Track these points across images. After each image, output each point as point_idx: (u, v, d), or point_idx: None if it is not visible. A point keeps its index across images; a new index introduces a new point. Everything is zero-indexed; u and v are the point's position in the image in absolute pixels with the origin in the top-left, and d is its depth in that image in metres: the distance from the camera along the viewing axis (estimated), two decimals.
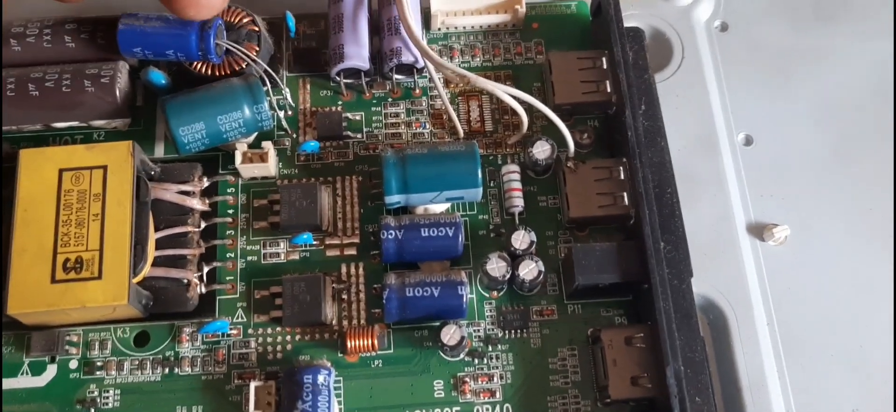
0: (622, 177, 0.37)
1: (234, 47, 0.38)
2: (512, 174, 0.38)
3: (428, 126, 0.40)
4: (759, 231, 0.41)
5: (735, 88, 0.44)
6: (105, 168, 0.36)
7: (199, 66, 0.38)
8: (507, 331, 0.37)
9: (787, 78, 0.44)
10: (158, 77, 0.39)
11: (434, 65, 0.38)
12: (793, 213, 0.41)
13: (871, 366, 0.38)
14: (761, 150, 0.42)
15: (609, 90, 0.39)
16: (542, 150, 0.38)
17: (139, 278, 0.36)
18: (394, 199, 0.37)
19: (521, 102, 0.38)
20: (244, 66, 0.38)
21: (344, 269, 0.38)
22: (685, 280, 0.37)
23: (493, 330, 0.37)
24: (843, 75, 0.44)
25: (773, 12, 0.46)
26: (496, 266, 0.36)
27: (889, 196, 0.42)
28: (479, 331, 0.37)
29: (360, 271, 0.38)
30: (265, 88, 0.38)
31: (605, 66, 0.39)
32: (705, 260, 0.40)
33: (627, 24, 0.44)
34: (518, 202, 0.38)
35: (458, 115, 0.40)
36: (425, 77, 0.41)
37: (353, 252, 0.38)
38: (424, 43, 0.38)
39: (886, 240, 0.41)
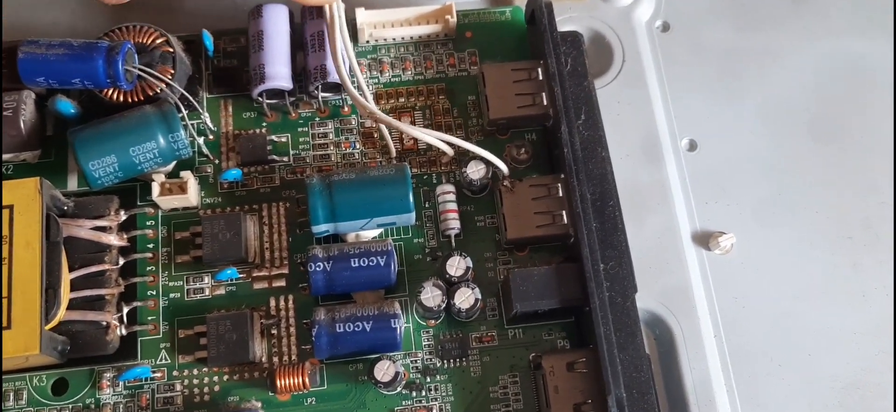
0: (561, 194, 0.36)
1: (147, 72, 0.36)
2: (447, 195, 0.37)
3: (358, 145, 0.38)
4: (704, 240, 0.40)
5: (678, 92, 0.42)
6: (11, 208, 0.34)
7: (110, 93, 0.36)
8: (445, 361, 0.35)
9: (731, 79, 0.43)
10: (67, 106, 0.36)
11: (359, 106, 0.36)
12: (738, 220, 0.40)
13: (821, 375, 0.38)
14: (706, 156, 0.41)
15: (545, 102, 0.37)
16: (476, 170, 0.36)
17: (53, 324, 0.34)
18: (321, 228, 0.35)
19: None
20: (159, 91, 0.36)
21: (273, 303, 0.36)
22: (629, 296, 0.35)
23: (430, 360, 0.35)
24: (789, 76, 0.43)
25: (717, 11, 0.44)
26: (431, 296, 0.34)
27: (837, 198, 0.41)
28: (416, 361, 0.35)
29: (291, 304, 0.36)
30: (181, 115, 0.36)
31: (541, 77, 0.38)
32: (651, 273, 0.38)
33: (565, 27, 0.42)
34: (454, 224, 0.36)
35: (390, 134, 0.38)
36: None
37: (282, 284, 0.36)
38: (348, 79, 0.36)
39: (833, 244, 0.40)
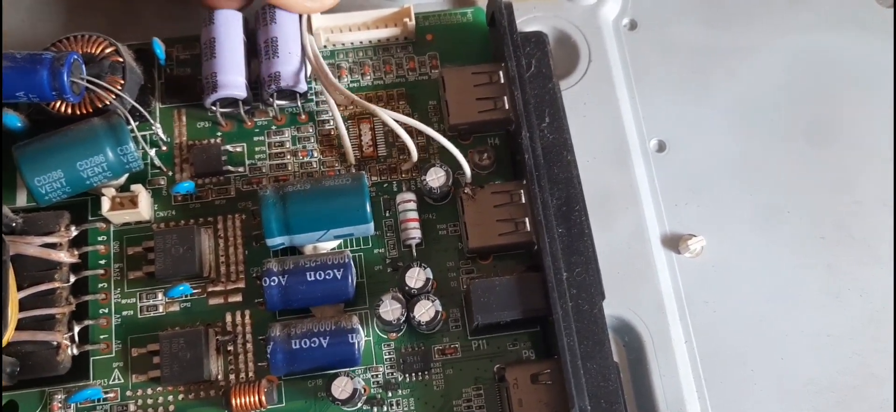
0: (523, 200, 0.35)
1: (94, 83, 0.34)
2: (407, 203, 0.36)
3: (316, 154, 0.37)
4: (674, 243, 0.39)
5: (646, 92, 0.41)
6: None
7: (57, 105, 0.35)
8: (407, 375, 0.34)
9: (700, 77, 0.42)
10: (13, 120, 0.35)
11: (334, 95, 0.35)
12: (708, 222, 0.39)
13: (795, 379, 0.37)
14: (675, 157, 0.40)
15: (507, 107, 0.36)
16: (436, 178, 0.35)
17: (1, 345, 0.32)
18: (276, 241, 0.34)
19: (410, 128, 0.35)
20: (109, 103, 0.35)
21: (229, 319, 0.35)
22: (596, 304, 0.34)
23: (392, 374, 0.34)
24: (759, 73, 0.42)
25: (685, 8, 0.43)
26: (390, 309, 0.33)
27: (809, 197, 0.40)
28: (377, 376, 0.34)
29: (247, 320, 0.35)
30: (131, 127, 0.35)
31: (502, 81, 0.37)
32: (619, 279, 0.37)
33: (530, 27, 0.41)
34: (415, 234, 0.35)
35: (350, 138, 0.37)
36: (311, 100, 0.38)
37: (238, 299, 0.35)
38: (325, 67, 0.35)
39: (805, 245, 0.39)
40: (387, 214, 0.36)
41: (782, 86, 0.42)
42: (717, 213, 0.39)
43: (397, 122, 0.35)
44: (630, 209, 0.39)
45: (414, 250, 0.36)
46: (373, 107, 0.35)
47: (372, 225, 0.34)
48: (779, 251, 0.39)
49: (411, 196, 0.36)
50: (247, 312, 0.35)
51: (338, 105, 0.37)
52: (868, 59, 0.43)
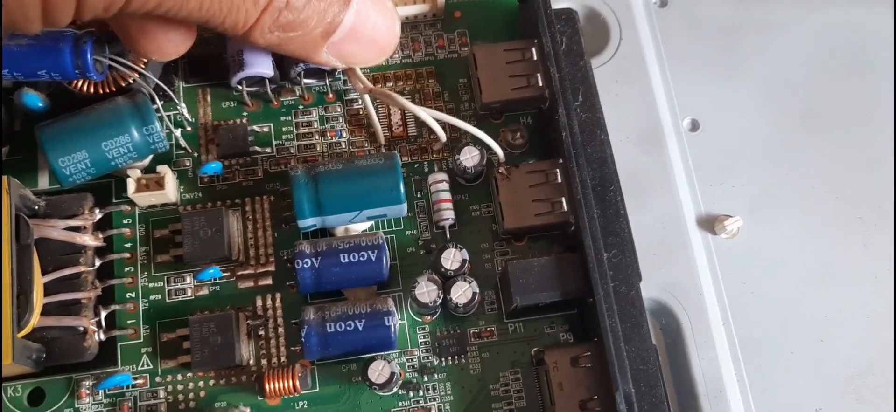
0: (560, 180, 0.34)
1: (118, 61, 0.33)
2: (440, 184, 0.35)
3: (344, 134, 0.36)
4: (709, 224, 0.38)
5: (678, 70, 0.40)
6: None
7: (79, 84, 0.34)
8: (443, 358, 0.33)
9: (732, 54, 0.41)
10: (34, 100, 0.34)
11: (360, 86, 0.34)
12: (744, 202, 0.38)
13: (833, 362, 0.36)
14: (708, 136, 0.40)
15: (541, 84, 0.35)
16: (470, 157, 0.35)
17: (26, 331, 0.32)
18: (307, 222, 0.33)
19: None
20: (131, 82, 0.34)
21: (259, 303, 0.34)
22: (634, 285, 0.33)
23: (427, 358, 0.33)
24: (792, 48, 0.41)
25: None
26: (426, 290, 0.32)
27: (845, 176, 0.39)
28: (412, 360, 0.33)
29: (278, 304, 0.34)
30: (156, 106, 0.34)
31: (535, 58, 0.36)
32: (655, 260, 0.37)
33: (559, 4, 0.40)
34: (448, 214, 0.34)
35: (378, 119, 0.36)
36: (338, 79, 0.37)
37: (268, 282, 0.34)
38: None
39: (844, 224, 0.38)
40: (419, 195, 0.35)
41: (814, 61, 0.41)
42: (752, 193, 0.39)
43: (428, 114, 0.34)
44: (664, 189, 0.38)
45: (447, 231, 0.35)
46: (393, 95, 0.34)
47: (405, 205, 0.33)
48: (815, 231, 0.38)
49: (444, 176, 0.35)
50: (278, 296, 0.34)
51: (357, 97, 0.36)
52: None
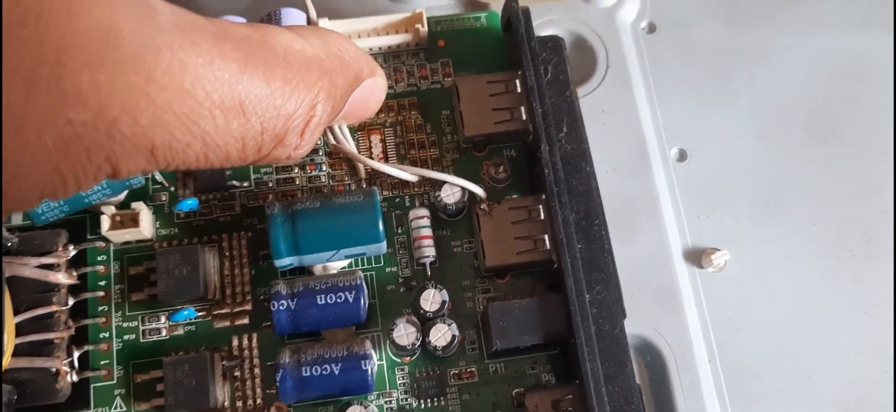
0: (542, 216, 0.33)
1: None
2: (421, 220, 0.34)
3: (325, 167, 0.36)
4: (696, 257, 0.37)
5: (666, 98, 0.40)
6: None
7: None
8: (422, 400, 0.33)
9: (720, 81, 0.40)
10: None
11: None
12: (731, 234, 0.38)
13: (823, 398, 0.35)
14: (696, 165, 0.39)
15: (524, 117, 0.35)
16: (451, 193, 0.34)
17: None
18: (284, 262, 0.32)
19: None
20: None
21: (235, 343, 0.33)
22: (618, 323, 0.33)
23: (406, 400, 0.33)
24: (782, 75, 0.41)
25: (705, 8, 0.42)
26: (405, 333, 0.32)
27: (836, 207, 0.38)
28: (390, 402, 0.33)
29: (254, 344, 0.33)
30: None
31: (519, 90, 0.35)
32: (640, 295, 0.36)
33: (545, 31, 0.40)
34: (429, 252, 0.34)
35: (359, 152, 0.36)
36: None
37: (244, 321, 0.33)
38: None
39: (834, 257, 0.38)
40: (399, 231, 0.35)
41: (806, 88, 0.41)
42: (741, 225, 0.38)
43: (394, 170, 0.34)
44: (650, 221, 0.37)
45: (428, 269, 0.34)
46: (359, 157, 0.34)
47: (384, 244, 0.33)
48: (805, 264, 0.37)
49: (425, 212, 0.34)
50: (254, 336, 0.33)
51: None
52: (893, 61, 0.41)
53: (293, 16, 0.35)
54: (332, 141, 0.35)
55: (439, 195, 0.34)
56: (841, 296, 0.37)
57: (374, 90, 0.31)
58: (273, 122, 0.23)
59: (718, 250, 0.37)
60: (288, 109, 0.24)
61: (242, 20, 0.35)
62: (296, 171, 0.36)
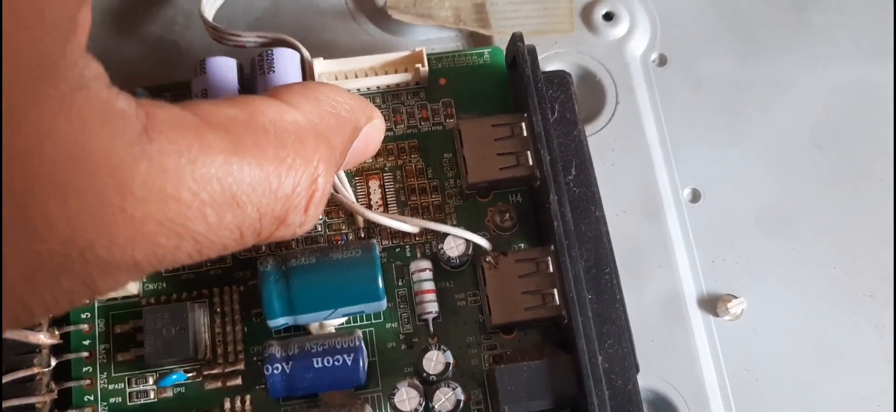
0: (551, 269, 0.32)
1: None
2: (422, 273, 0.32)
3: (321, 216, 0.34)
4: (711, 305, 0.35)
5: (678, 135, 0.38)
6: None
7: None
8: None
9: (734, 116, 0.39)
10: None
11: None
12: (748, 280, 0.36)
13: None
14: (710, 207, 0.37)
15: (531, 162, 0.33)
16: (454, 246, 0.32)
17: None
18: (278, 322, 0.30)
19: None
20: None
21: (228, 405, 0.31)
22: (631, 379, 0.31)
23: None
24: (798, 108, 0.39)
25: (716, 39, 0.40)
26: (407, 398, 0.30)
27: (855, 249, 0.37)
28: None
29: (248, 406, 0.31)
30: None
31: (525, 133, 0.33)
32: (653, 346, 0.34)
33: (551, 66, 0.38)
34: (432, 307, 0.32)
35: (357, 199, 0.34)
36: None
37: (237, 382, 0.32)
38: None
39: (854, 303, 0.36)
40: (400, 284, 0.33)
41: (822, 121, 0.39)
42: (757, 270, 0.36)
43: (393, 221, 0.32)
44: (663, 267, 0.36)
45: (430, 325, 0.32)
46: (359, 207, 0.32)
47: (384, 301, 0.31)
48: (824, 310, 0.36)
49: (427, 264, 0.32)
50: (247, 398, 0.31)
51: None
52: None
53: (286, 57, 0.33)
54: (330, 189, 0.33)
55: (442, 248, 0.32)
56: (861, 345, 0.35)
57: (372, 135, 0.29)
58: (271, 206, 0.22)
59: (735, 297, 0.35)
60: (286, 190, 0.22)
61: (234, 62, 0.34)
62: None
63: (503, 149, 0.33)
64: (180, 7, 0.39)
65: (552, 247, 0.32)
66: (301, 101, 0.24)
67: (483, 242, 0.32)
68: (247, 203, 0.21)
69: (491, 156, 0.33)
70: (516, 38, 0.34)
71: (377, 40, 0.39)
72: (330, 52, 0.35)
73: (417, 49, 0.35)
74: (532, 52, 0.34)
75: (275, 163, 0.22)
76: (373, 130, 0.29)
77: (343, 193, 0.33)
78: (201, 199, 0.20)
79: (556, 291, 0.31)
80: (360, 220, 0.34)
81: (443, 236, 0.32)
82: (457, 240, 0.32)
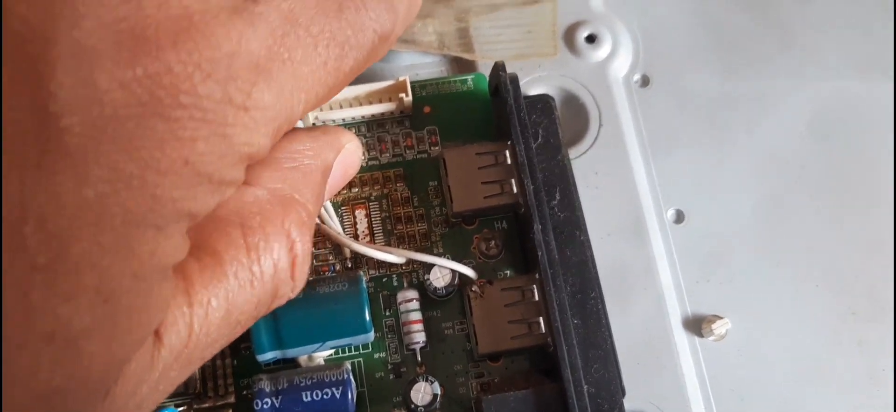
0: (537, 297, 0.32)
1: None
2: (409, 303, 0.33)
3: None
4: (696, 325, 0.36)
5: (661, 156, 0.38)
6: None
7: None
8: None
9: (717, 135, 0.39)
10: None
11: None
12: (732, 300, 0.36)
13: None
14: (694, 226, 0.37)
15: (515, 190, 0.33)
16: (441, 276, 0.32)
17: None
18: (267, 356, 0.31)
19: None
20: None
21: None
22: (617, 402, 0.32)
23: None
24: (782, 125, 0.39)
25: (700, 56, 0.40)
26: None
27: (839, 266, 0.37)
28: None
29: None
30: None
31: (509, 161, 0.33)
32: (639, 369, 0.35)
33: (534, 89, 0.38)
34: (419, 337, 0.32)
35: (343, 229, 0.34)
36: None
37: None
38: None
39: (837, 320, 0.36)
40: (387, 313, 0.33)
41: (806, 139, 0.39)
42: (741, 289, 0.37)
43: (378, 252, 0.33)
44: (648, 289, 0.36)
45: (418, 354, 0.33)
46: (346, 240, 0.33)
47: (372, 333, 0.31)
48: (808, 328, 0.36)
49: (414, 294, 0.33)
50: None
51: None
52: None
53: None
54: (316, 220, 0.33)
55: (429, 278, 0.32)
56: (845, 362, 0.36)
57: (348, 160, 0.28)
58: (260, 297, 0.22)
59: (719, 318, 0.36)
60: (268, 273, 0.22)
61: None
62: None
63: (487, 177, 0.33)
64: None
65: (537, 275, 0.32)
66: (261, 171, 0.23)
67: (469, 272, 0.32)
68: (236, 312, 0.22)
69: (475, 184, 0.33)
70: (498, 67, 0.34)
71: None
72: None
73: (401, 78, 0.35)
74: (514, 80, 0.34)
75: (247, 255, 0.21)
76: (347, 157, 0.28)
77: (329, 225, 0.33)
78: (192, 357, 0.21)
79: (541, 320, 0.32)
80: (347, 250, 0.34)
81: (429, 266, 0.32)
82: (443, 270, 0.32)
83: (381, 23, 0.23)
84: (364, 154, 0.35)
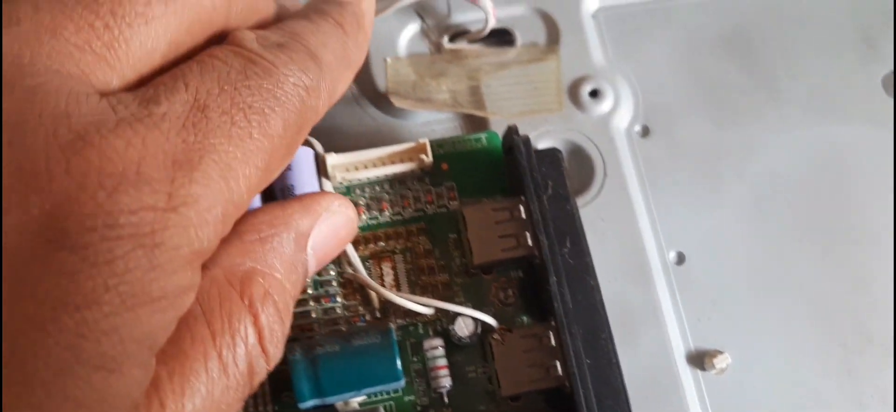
0: (553, 343, 0.35)
1: None
2: (435, 350, 0.35)
3: (339, 298, 0.37)
4: (699, 360, 0.39)
5: (662, 201, 0.41)
6: None
7: None
8: None
9: (712, 180, 0.42)
10: None
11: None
12: (731, 335, 0.39)
13: None
14: (694, 268, 0.40)
15: (530, 243, 0.36)
16: (465, 326, 0.35)
17: None
18: (308, 404, 0.33)
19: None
20: None
21: None
22: None
23: None
24: (770, 172, 0.42)
25: (693, 108, 0.43)
26: None
27: (828, 302, 0.40)
28: None
29: None
30: None
31: (523, 216, 0.36)
32: (646, 403, 0.37)
33: (543, 142, 0.41)
34: (445, 382, 0.35)
35: (373, 281, 0.37)
36: None
37: None
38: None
39: (826, 353, 0.39)
40: (415, 359, 0.36)
41: (794, 183, 0.42)
42: (739, 326, 0.39)
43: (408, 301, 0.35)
44: (653, 328, 0.39)
45: (445, 397, 0.35)
46: (382, 290, 0.35)
47: (403, 380, 0.34)
48: (802, 361, 0.39)
49: (439, 341, 0.35)
50: None
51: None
52: (879, 152, 0.43)
53: (301, 154, 0.36)
54: (350, 270, 0.36)
55: (453, 329, 0.35)
56: (836, 392, 0.39)
57: (335, 226, 0.28)
58: (235, 382, 0.22)
59: (720, 353, 0.38)
60: (238, 355, 0.21)
61: None
62: (311, 304, 0.37)
63: (504, 231, 0.36)
64: None
65: (553, 322, 0.35)
66: (218, 252, 0.22)
67: (491, 321, 0.35)
68: (226, 408, 0.21)
69: (493, 238, 0.36)
70: (512, 131, 0.37)
71: (380, 124, 0.42)
72: (336, 136, 0.38)
73: (421, 140, 0.37)
74: (526, 142, 0.37)
75: (218, 350, 0.21)
76: (332, 218, 0.27)
77: (360, 273, 0.36)
78: None
79: (558, 363, 0.34)
80: (375, 300, 0.36)
81: (453, 315, 0.35)
82: (466, 320, 0.35)
83: (300, 74, 0.22)
84: (361, 214, 0.37)
